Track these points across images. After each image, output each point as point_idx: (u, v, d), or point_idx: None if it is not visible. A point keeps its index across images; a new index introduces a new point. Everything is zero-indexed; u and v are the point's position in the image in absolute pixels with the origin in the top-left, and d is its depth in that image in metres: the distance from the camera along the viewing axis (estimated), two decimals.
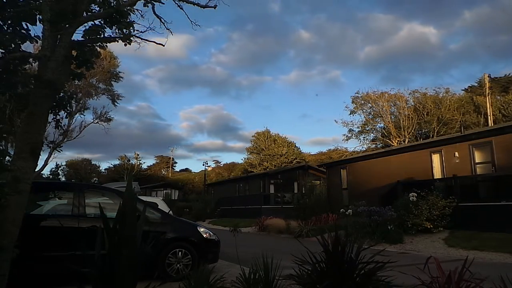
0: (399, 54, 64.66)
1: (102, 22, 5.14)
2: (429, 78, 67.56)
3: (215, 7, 5.77)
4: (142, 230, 3.19)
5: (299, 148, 50.59)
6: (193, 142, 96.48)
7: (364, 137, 40.45)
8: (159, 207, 8.95)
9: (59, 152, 36.71)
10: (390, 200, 13.97)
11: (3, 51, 4.66)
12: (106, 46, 5.41)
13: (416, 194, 12.81)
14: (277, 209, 24.23)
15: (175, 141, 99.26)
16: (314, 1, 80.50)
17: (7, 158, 3.88)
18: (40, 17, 4.61)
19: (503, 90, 35.84)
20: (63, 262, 3.93)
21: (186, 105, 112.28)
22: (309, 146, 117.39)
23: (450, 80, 69.06)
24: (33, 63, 5.91)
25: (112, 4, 5.17)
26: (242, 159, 58.75)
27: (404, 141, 33.81)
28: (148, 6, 5.48)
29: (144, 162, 64.01)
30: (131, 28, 5.22)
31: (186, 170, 69.44)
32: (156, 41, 5.53)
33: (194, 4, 5.68)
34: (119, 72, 31.11)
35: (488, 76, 29.92)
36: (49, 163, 25.35)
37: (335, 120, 61.76)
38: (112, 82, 30.54)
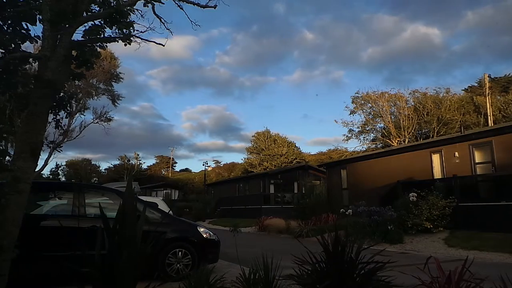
0: (402, 55, 64.77)
1: (102, 22, 5.14)
2: (432, 79, 67.77)
3: (215, 7, 5.77)
4: (142, 230, 3.19)
5: (299, 148, 50.77)
6: (195, 142, 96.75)
7: (364, 137, 40.57)
8: (159, 207, 8.94)
9: (59, 152, 36.74)
10: (390, 200, 13.96)
11: (3, 51, 4.67)
12: (106, 46, 5.40)
13: (416, 194, 12.82)
14: (277, 209, 24.25)
15: (177, 141, 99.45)
16: (319, 2, 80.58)
17: (7, 158, 3.87)
18: (40, 17, 4.61)
19: (503, 90, 35.88)
20: (63, 262, 3.92)
21: (189, 106, 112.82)
22: (311, 147, 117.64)
23: (452, 81, 69.26)
24: (33, 63, 5.92)
25: (112, 4, 5.17)
26: (242, 159, 58.83)
27: (404, 141, 33.82)
28: (148, 6, 5.48)
29: (144, 162, 64.13)
30: (131, 28, 5.22)
31: (186, 170, 69.53)
32: (156, 41, 5.54)
33: (194, 4, 5.68)
34: (120, 72, 31.17)
35: (488, 76, 29.97)
36: (49, 163, 25.40)
37: (335, 120, 61.76)
38: (113, 83, 30.59)
